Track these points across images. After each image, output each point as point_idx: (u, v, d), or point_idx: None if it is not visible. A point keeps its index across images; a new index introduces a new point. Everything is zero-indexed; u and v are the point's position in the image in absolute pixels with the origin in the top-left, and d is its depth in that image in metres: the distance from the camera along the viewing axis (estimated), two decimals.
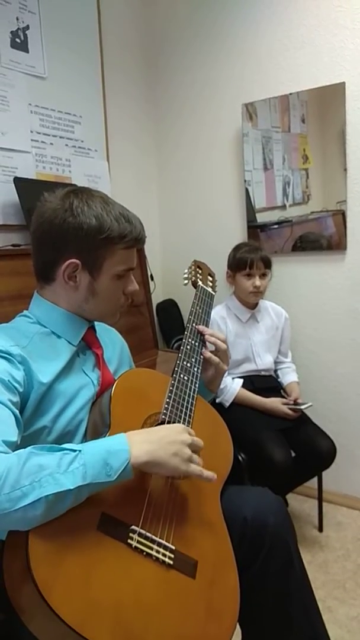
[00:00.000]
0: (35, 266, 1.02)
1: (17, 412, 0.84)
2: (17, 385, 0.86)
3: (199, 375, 1.10)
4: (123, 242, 0.98)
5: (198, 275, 1.38)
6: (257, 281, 1.98)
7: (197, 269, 1.40)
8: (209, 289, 1.36)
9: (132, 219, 1.00)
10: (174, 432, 0.86)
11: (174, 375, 1.06)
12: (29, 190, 1.79)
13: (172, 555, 0.81)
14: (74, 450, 0.76)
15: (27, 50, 1.90)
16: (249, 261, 1.97)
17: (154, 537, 0.81)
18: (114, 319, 1.08)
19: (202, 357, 1.14)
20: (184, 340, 1.15)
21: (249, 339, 2.06)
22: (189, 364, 1.10)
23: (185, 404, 1.02)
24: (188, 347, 1.13)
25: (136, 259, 1.04)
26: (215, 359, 1.15)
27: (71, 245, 0.96)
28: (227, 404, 1.95)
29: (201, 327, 1.18)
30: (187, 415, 1.00)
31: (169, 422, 0.95)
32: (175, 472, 0.83)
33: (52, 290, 1.01)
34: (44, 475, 0.71)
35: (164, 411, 0.97)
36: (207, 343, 1.17)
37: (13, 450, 0.76)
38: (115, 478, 0.75)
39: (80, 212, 0.95)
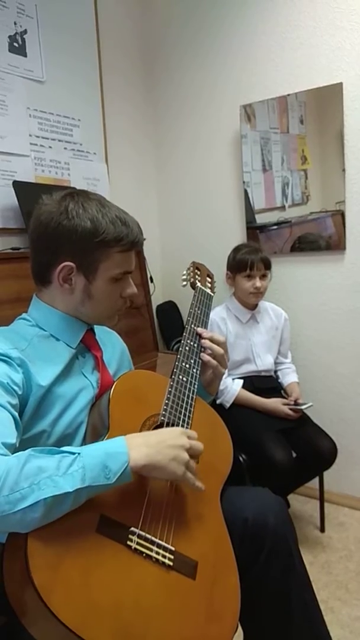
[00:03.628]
0: (32, 269, 1.03)
1: (16, 414, 0.84)
2: (16, 388, 0.86)
3: (197, 376, 1.10)
4: (119, 246, 0.97)
5: (197, 276, 1.38)
6: (258, 282, 1.98)
7: (196, 270, 1.40)
8: (208, 290, 1.36)
9: (129, 221, 0.99)
10: (173, 436, 0.85)
11: (173, 377, 1.06)
12: (28, 193, 1.79)
13: (171, 557, 0.81)
14: (73, 453, 0.76)
15: (25, 55, 1.91)
16: (249, 262, 1.97)
17: (153, 538, 0.81)
18: (112, 321, 1.07)
19: (200, 358, 1.14)
20: (182, 341, 1.14)
21: (249, 339, 2.06)
22: (187, 365, 1.10)
23: (184, 405, 1.02)
24: (187, 348, 1.13)
25: (134, 261, 1.03)
26: (213, 361, 1.14)
27: (66, 248, 0.96)
28: (228, 405, 1.95)
29: (200, 330, 1.18)
30: (186, 416, 1.00)
31: (168, 424, 0.95)
32: (172, 476, 0.83)
33: (49, 292, 1.01)
34: (43, 477, 0.71)
35: (163, 412, 0.97)
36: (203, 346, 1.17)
37: (12, 453, 0.76)
38: (114, 481, 0.75)
39: (75, 215, 0.94)
